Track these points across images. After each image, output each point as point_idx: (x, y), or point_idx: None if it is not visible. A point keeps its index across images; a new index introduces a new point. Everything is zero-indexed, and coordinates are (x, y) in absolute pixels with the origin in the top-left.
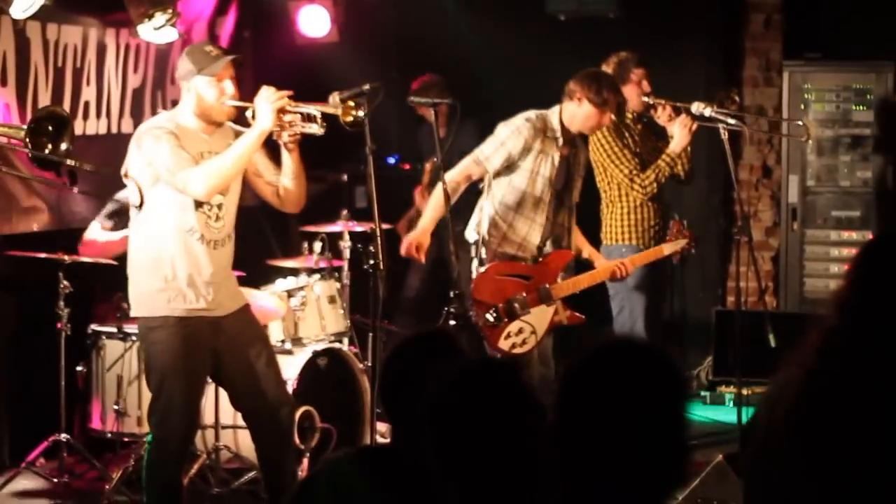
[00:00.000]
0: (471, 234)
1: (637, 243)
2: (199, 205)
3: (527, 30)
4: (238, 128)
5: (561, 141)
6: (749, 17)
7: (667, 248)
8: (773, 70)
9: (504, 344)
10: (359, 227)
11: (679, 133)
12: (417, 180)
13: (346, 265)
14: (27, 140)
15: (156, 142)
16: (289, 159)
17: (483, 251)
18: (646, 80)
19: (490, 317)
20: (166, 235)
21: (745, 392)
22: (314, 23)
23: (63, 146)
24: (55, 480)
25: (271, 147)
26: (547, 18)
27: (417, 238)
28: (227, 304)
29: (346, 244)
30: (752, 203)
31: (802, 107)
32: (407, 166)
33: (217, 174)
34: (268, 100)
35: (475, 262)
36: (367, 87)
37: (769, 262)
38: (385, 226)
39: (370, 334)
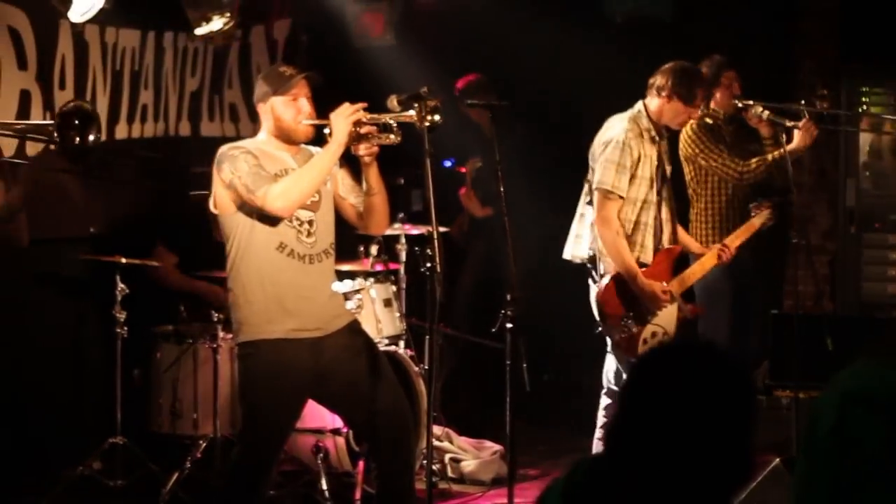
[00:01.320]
0: (581, 253)
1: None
2: (287, 222)
3: (583, 33)
4: (316, 149)
5: (657, 138)
6: (806, 22)
7: (757, 221)
8: (830, 75)
9: (643, 350)
10: (415, 231)
11: (800, 136)
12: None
13: (402, 268)
14: (55, 134)
15: (233, 162)
16: (368, 174)
17: (602, 266)
18: (736, 82)
19: (624, 328)
20: (258, 255)
21: (801, 396)
22: (371, 27)
23: (91, 137)
24: (111, 483)
25: (357, 170)
26: (603, 22)
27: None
28: (328, 323)
29: (402, 247)
30: (809, 207)
31: (859, 111)
32: (463, 169)
33: (295, 189)
34: (342, 114)
35: (595, 280)
36: (424, 89)
37: (826, 265)
38: (441, 229)
39: (426, 337)
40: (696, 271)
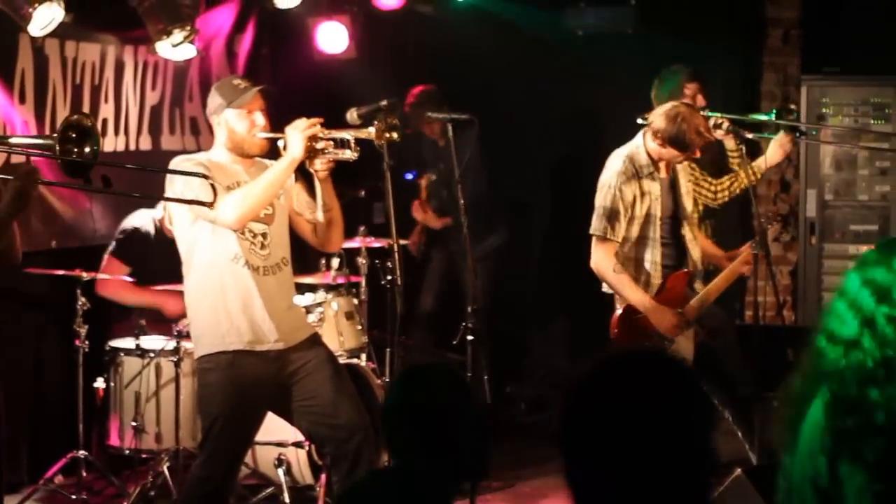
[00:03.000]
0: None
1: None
2: (240, 234)
3: (545, 44)
4: (271, 163)
5: (657, 172)
6: (767, 32)
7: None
8: (792, 84)
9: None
10: (376, 243)
11: (774, 150)
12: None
13: (363, 281)
14: (57, 148)
15: (184, 180)
16: (321, 190)
17: (616, 300)
18: (700, 94)
19: None
20: (213, 268)
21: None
22: (332, 39)
23: (87, 150)
24: (73, 497)
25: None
26: (565, 33)
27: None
28: (288, 335)
29: (363, 260)
30: (769, 217)
31: (820, 121)
32: (422, 184)
33: (246, 202)
34: (298, 128)
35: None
36: (384, 102)
37: (787, 276)
38: (402, 241)
39: (388, 350)
40: (712, 292)
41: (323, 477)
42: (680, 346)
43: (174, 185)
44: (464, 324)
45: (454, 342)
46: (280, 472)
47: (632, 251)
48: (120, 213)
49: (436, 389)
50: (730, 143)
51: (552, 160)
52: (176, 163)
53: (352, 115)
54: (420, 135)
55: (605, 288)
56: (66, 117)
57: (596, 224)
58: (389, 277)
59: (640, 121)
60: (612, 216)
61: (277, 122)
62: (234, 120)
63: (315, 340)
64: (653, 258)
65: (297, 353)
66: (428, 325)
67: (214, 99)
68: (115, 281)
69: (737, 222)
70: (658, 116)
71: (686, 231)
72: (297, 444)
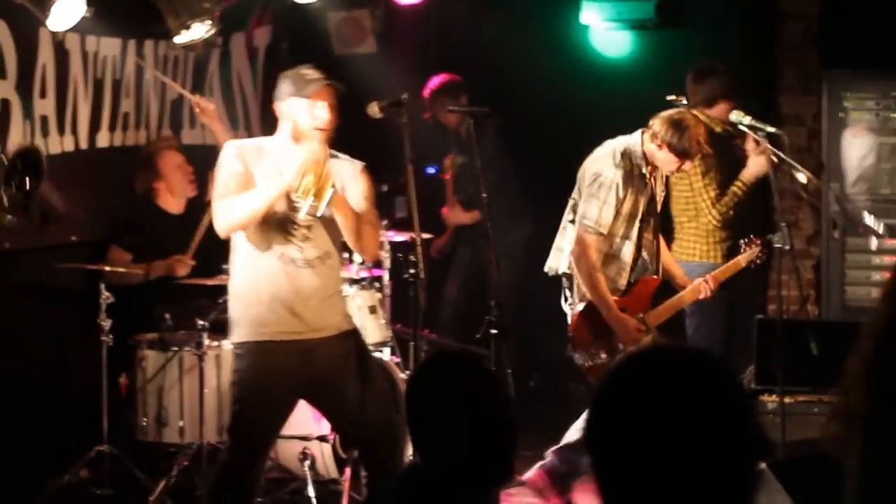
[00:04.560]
0: (560, 267)
1: (712, 259)
2: (282, 224)
3: (562, 36)
4: (344, 157)
5: (647, 173)
6: (786, 27)
7: (743, 260)
8: (812, 79)
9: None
10: (399, 237)
11: (755, 163)
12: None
13: (386, 275)
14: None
15: (220, 163)
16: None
17: (576, 290)
18: (728, 111)
19: (591, 356)
20: (250, 257)
21: (787, 400)
22: (354, 36)
23: (29, 184)
24: (98, 492)
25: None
26: (582, 26)
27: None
28: (322, 327)
29: (385, 254)
30: (792, 212)
31: (842, 115)
32: (447, 176)
33: (231, 213)
34: (304, 160)
35: (566, 299)
36: (405, 96)
37: (811, 270)
38: (425, 235)
39: (411, 344)
40: (673, 304)
41: (347, 471)
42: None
43: (217, 168)
44: (487, 317)
45: (478, 336)
46: (305, 466)
47: (610, 247)
48: (144, 206)
49: (463, 376)
50: (749, 143)
51: (572, 153)
52: (226, 148)
53: (372, 108)
54: (443, 126)
55: (552, 271)
56: (15, 151)
57: (587, 212)
58: (412, 271)
59: (670, 98)
60: (604, 208)
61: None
62: (297, 109)
63: (350, 335)
64: (627, 257)
65: (329, 347)
66: (453, 317)
67: (282, 86)
68: (116, 265)
69: (759, 214)
70: (661, 120)
71: (648, 234)
72: (322, 439)
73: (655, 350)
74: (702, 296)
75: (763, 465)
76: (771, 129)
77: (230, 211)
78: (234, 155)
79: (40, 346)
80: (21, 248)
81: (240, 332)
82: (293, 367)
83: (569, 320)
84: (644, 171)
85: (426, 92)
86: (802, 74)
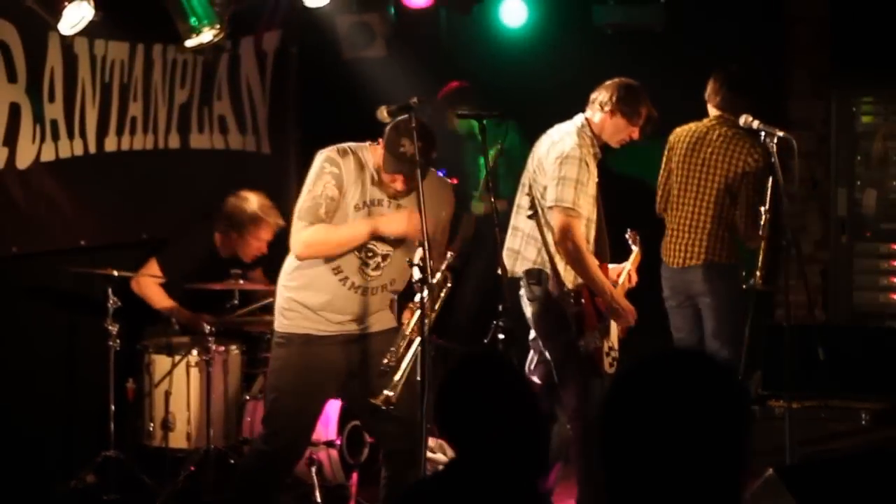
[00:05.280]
0: (514, 269)
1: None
2: (359, 253)
3: (573, 42)
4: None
5: (598, 154)
6: (796, 30)
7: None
8: (822, 82)
9: (606, 364)
10: None
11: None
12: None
13: None
14: None
15: (317, 176)
16: None
17: (549, 283)
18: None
19: (598, 341)
20: (315, 267)
21: (794, 406)
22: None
23: None
24: (105, 497)
25: None
26: (593, 31)
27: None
28: (365, 323)
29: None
30: (800, 216)
31: (850, 120)
32: (454, 181)
33: (317, 246)
34: (403, 223)
35: (531, 295)
36: (413, 100)
37: (818, 275)
38: None
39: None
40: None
41: (354, 476)
42: (613, 335)
43: (308, 174)
44: (495, 322)
45: (485, 341)
46: (312, 471)
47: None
48: (152, 212)
49: (497, 374)
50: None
51: None
52: (321, 155)
53: (382, 112)
54: (454, 133)
55: (525, 268)
56: None
57: (563, 195)
58: (420, 276)
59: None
60: (579, 188)
61: (307, 120)
62: (383, 167)
63: (394, 332)
64: (592, 241)
65: (369, 341)
66: (463, 323)
67: (386, 135)
68: (149, 281)
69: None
70: (609, 87)
71: (600, 217)
72: (329, 444)
73: (667, 353)
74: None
75: (770, 471)
76: (780, 133)
77: (319, 243)
78: (332, 175)
79: (48, 351)
80: (29, 252)
81: (283, 323)
82: (334, 358)
83: (529, 315)
84: (596, 150)
85: (438, 97)
86: (812, 78)
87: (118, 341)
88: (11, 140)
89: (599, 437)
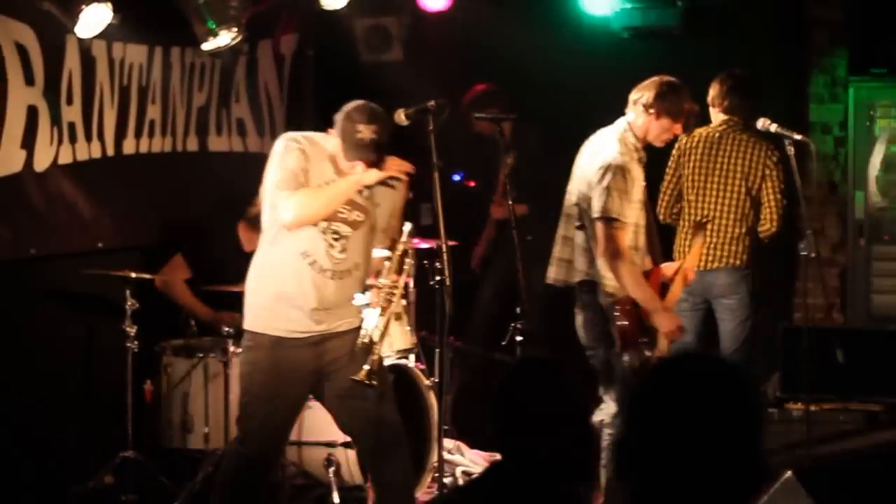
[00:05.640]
0: (568, 278)
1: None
2: (321, 232)
3: (591, 44)
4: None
5: (643, 158)
6: (814, 33)
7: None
8: (839, 86)
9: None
10: (424, 244)
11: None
12: (488, 198)
13: (411, 282)
14: None
15: (283, 153)
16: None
17: (600, 295)
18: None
19: (642, 355)
20: (280, 256)
21: (812, 408)
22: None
23: None
24: (123, 498)
25: None
26: (611, 33)
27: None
28: (334, 322)
29: (410, 261)
30: (818, 219)
31: (868, 123)
32: (472, 183)
33: (308, 206)
34: (381, 173)
35: (586, 306)
36: (431, 103)
37: (836, 278)
38: (451, 242)
39: (437, 351)
40: (676, 291)
41: None
42: (662, 344)
43: (273, 151)
44: (513, 324)
45: (503, 343)
46: (329, 472)
47: (630, 239)
48: (169, 214)
49: (550, 382)
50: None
51: None
52: (285, 137)
53: (399, 116)
54: (478, 136)
55: (559, 283)
56: None
57: (608, 205)
58: (438, 278)
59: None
60: (623, 197)
61: (322, 123)
62: (344, 152)
63: (357, 330)
64: (642, 246)
65: (338, 342)
66: (483, 325)
67: (339, 123)
68: (174, 277)
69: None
70: (649, 89)
71: (649, 220)
72: (346, 445)
73: (685, 359)
74: (689, 281)
75: (789, 473)
76: (797, 137)
77: (309, 203)
78: (300, 149)
79: (66, 353)
80: (47, 255)
81: (252, 322)
82: (304, 359)
83: (577, 324)
84: (641, 154)
85: (463, 101)
86: (830, 82)
87: (136, 343)
88: (29, 143)
89: (618, 442)
